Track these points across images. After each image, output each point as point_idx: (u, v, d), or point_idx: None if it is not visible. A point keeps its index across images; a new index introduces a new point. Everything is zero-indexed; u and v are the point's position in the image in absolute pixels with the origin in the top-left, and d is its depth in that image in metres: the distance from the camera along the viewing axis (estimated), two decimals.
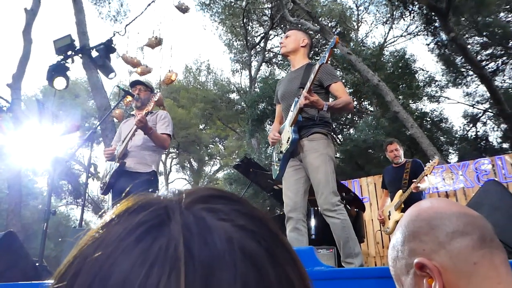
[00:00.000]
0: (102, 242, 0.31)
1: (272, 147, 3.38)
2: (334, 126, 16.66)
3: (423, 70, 15.90)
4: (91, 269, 0.29)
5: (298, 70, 3.24)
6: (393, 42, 19.30)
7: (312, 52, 15.99)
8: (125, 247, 0.29)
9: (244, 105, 16.65)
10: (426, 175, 4.52)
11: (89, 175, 3.78)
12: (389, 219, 4.83)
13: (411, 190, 4.49)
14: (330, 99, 3.29)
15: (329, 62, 2.90)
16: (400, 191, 4.70)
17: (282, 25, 18.73)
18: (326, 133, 3.05)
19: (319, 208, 3.00)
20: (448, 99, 17.08)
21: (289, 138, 3.02)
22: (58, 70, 5.86)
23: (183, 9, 6.56)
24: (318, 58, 2.92)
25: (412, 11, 14.48)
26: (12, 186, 12.04)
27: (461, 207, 0.82)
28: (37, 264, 3.13)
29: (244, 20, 18.73)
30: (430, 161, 4.54)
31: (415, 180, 4.52)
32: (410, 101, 14.38)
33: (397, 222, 4.67)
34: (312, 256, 1.67)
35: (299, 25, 13.58)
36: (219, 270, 0.28)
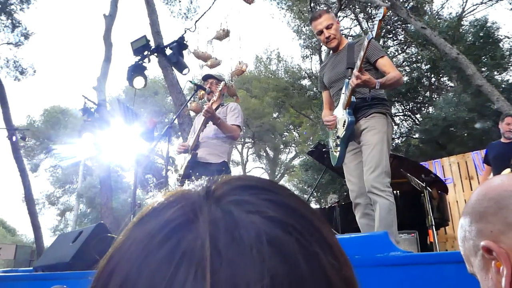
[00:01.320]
0: (134, 240, 0.31)
1: (329, 132, 3.27)
2: (411, 106, 15.99)
3: (508, 38, 14.66)
4: (123, 268, 0.30)
5: (340, 52, 3.16)
6: (473, 10, 17.95)
7: (384, 31, 15.36)
8: (153, 246, 0.30)
9: (316, 90, 16.47)
10: None
11: (168, 168, 3.97)
12: None
13: None
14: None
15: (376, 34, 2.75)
16: (508, 169, 4.41)
17: (350, 6, 18.19)
18: (384, 112, 2.94)
19: (365, 185, 2.84)
20: None
21: (345, 121, 2.92)
22: (136, 70, 6.17)
23: (249, 0, 6.61)
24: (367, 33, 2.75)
25: None
26: (103, 181, 13.00)
27: None
28: None
29: (312, 4, 18.43)
30: None
31: None
32: (495, 73, 13.33)
33: None
34: (387, 240, 1.64)
35: (368, 3, 13.11)
36: (246, 267, 0.28)
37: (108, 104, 14.82)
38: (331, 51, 3.34)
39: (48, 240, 23.96)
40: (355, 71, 2.72)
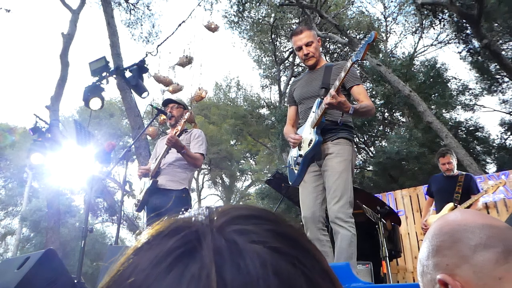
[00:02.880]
0: (135, 268, 0.30)
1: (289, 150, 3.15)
2: (365, 138, 16.48)
3: (455, 78, 15.61)
4: None
5: (317, 71, 3.08)
6: (424, 51, 19.03)
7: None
8: (157, 275, 0.29)
9: (274, 120, 16.69)
10: (485, 193, 4.45)
11: (124, 192, 3.83)
12: None
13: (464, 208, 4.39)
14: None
15: (363, 60, 2.73)
16: (451, 204, 4.56)
17: None
18: (351, 138, 2.91)
19: (329, 214, 2.77)
20: (484, 107, 16.68)
21: (311, 140, 2.84)
22: (93, 91, 6.02)
23: (213, 29, 6.68)
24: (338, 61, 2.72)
25: (442, 19, 14.27)
26: (51, 204, 12.41)
27: (487, 218, 0.78)
28: (75, 281, 3.20)
29: (272, 36, 18.89)
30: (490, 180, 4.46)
31: (474, 195, 4.45)
32: (444, 111, 14.08)
33: None
34: (349, 272, 1.65)
35: (327, 39, 13.59)
36: None
37: (61, 124, 14.33)
38: (307, 69, 3.26)
39: None
40: (332, 91, 2.66)
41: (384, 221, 4.40)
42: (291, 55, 20.25)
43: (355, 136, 16.13)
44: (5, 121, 28.09)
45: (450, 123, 13.35)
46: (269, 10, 18.85)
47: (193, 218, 0.34)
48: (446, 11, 12.88)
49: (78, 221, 19.65)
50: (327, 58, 17.63)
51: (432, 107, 12.95)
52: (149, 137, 9.31)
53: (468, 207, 4.48)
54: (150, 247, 0.32)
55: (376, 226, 4.12)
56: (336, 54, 17.79)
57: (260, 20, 19.28)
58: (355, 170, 2.96)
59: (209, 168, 26.78)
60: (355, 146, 2.98)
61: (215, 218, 0.33)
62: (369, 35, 2.55)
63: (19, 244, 22.68)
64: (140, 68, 6.45)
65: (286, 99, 3.44)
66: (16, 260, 2.61)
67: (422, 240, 4.62)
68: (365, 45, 2.55)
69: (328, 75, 2.96)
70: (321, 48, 3.17)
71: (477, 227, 0.75)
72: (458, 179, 4.63)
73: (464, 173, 4.78)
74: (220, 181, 29.69)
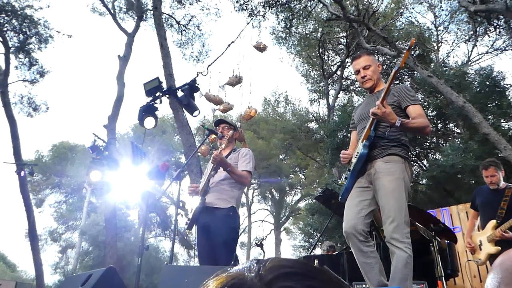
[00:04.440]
0: None
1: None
2: (417, 151, 16.00)
3: None
4: None
5: (376, 94, 3.11)
6: (478, 60, 18.34)
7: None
8: None
9: (323, 134, 16.61)
10: None
11: (178, 212, 3.97)
12: (480, 249, 4.50)
13: (503, 229, 4.17)
14: None
15: (403, 64, 2.72)
16: (494, 221, 4.33)
17: (358, 52, 18.62)
18: (403, 155, 2.85)
19: (385, 234, 2.74)
20: None
21: (357, 153, 2.87)
22: (148, 110, 6.27)
23: (261, 48, 6.82)
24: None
25: (498, 26, 13.76)
26: (108, 220, 12.94)
27: None
28: None
29: (320, 50, 18.92)
30: None
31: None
32: (502, 121, 13.42)
33: (490, 255, 4.35)
34: None
35: (376, 51, 13.42)
36: None
37: (117, 142, 14.97)
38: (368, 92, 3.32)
39: (48, 277, 23.62)
40: (378, 102, 2.67)
41: (439, 239, 4.27)
42: (339, 68, 20.15)
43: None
44: (66, 139, 29.70)
45: (509, 134, 12.70)
46: (316, 25, 18.92)
47: (246, 274, 0.40)
48: (501, 17, 12.41)
49: (133, 236, 20.28)
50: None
51: (489, 117, 12.40)
52: (200, 154, 9.54)
53: None
54: None
55: (431, 244, 4.01)
56: (385, 66, 17.52)
57: (308, 35, 19.38)
58: None
59: (259, 182, 26.92)
60: (409, 164, 2.88)
61: (264, 274, 0.39)
62: (408, 42, 2.62)
63: (78, 258, 23.70)
64: (192, 87, 6.68)
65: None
66: (80, 277, 2.78)
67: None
68: (405, 52, 2.64)
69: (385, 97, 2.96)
70: (375, 60, 3.20)
71: None
72: (505, 193, 4.34)
73: None
74: (269, 196, 29.73)
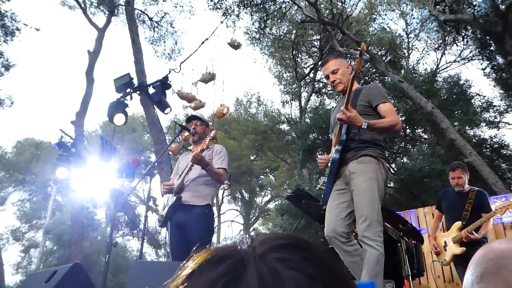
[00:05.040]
0: None
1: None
2: (386, 155, 16.31)
3: (479, 95, 15.38)
4: None
5: (347, 95, 3.07)
6: (446, 68, 18.88)
7: (362, 81, 15.90)
8: None
9: (295, 135, 16.71)
10: (494, 215, 4.28)
11: (148, 208, 3.89)
12: (445, 249, 4.60)
13: (469, 231, 4.28)
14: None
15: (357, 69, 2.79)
16: (459, 223, 4.44)
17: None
18: (376, 156, 2.88)
19: (358, 233, 2.78)
20: (509, 124, 16.32)
21: (331, 159, 2.93)
22: (118, 107, 6.14)
23: (236, 46, 6.79)
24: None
25: (466, 36, 14.15)
26: (74, 218, 12.62)
27: None
28: None
29: (294, 52, 19.03)
30: (500, 199, 4.28)
31: (484, 213, 4.30)
32: (467, 128, 13.83)
33: (455, 256, 4.46)
34: None
35: (348, 55, 13.61)
36: None
37: (85, 139, 14.64)
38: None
39: (9, 278, 22.84)
40: (342, 107, 2.71)
41: (407, 239, 4.34)
42: (312, 71, 20.33)
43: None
44: (31, 136, 28.84)
45: (474, 140, 13.10)
46: (290, 27, 19.03)
47: (238, 247, 0.38)
48: (469, 27, 12.78)
49: (100, 235, 19.86)
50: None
51: (456, 124, 12.75)
52: (170, 153, 9.43)
53: (478, 227, 4.33)
54: (201, 273, 0.36)
55: (399, 244, 4.07)
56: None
57: (282, 37, 19.46)
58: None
59: (229, 183, 26.84)
60: (383, 164, 2.90)
61: (258, 245, 0.38)
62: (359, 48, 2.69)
63: (42, 257, 23.03)
64: (163, 84, 6.57)
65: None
66: (44, 273, 2.67)
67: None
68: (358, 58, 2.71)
69: (356, 99, 3.01)
70: (345, 62, 3.22)
71: None
72: (469, 195, 4.47)
73: (476, 189, 4.58)
74: (239, 196, 29.70)
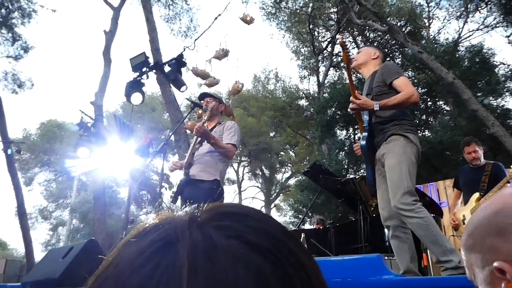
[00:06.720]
0: (121, 259, 0.34)
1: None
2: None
3: (503, 64, 14.88)
4: (109, 284, 0.32)
5: (368, 79, 3.21)
6: (469, 36, 18.23)
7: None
8: (135, 266, 0.31)
9: (313, 110, 16.56)
10: (510, 179, 4.21)
11: (163, 185, 3.94)
12: (464, 223, 4.56)
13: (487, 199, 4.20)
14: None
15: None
16: (477, 194, 4.40)
17: (349, 28, 18.43)
18: (402, 133, 2.89)
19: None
20: None
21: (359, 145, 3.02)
22: (134, 86, 6.18)
23: (248, 21, 6.69)
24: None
25: (489, 2, 13.66)
26: (97, 197, 12.90)
27: None
28: None
29: (310, 26, 18.68)
30: None
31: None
32: (490, 98, 13.47)
33: None
34: (380, 264, 1.63)
35: (366, 27, 13.30)
36: (221, 287, 0.30)
37: (105, 119, 14.82)
38: None
39: (39, 255, 23.66)
40: (351, 97, 2.75)
41: None
42: (330, 44, 19.98)
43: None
44: (54, 117, 29.34)
45: (497, 111, 12.77)
46: (306, 0, 18.65)
47: (177, 216, 0.37)
48: None
49: (124, 213, 20.30)
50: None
51: (478, 94, 12.43)
52: (188, 131, 9.48)
53: None
54: (134, 241, 0.35)
55: None
56: (376, 42, 17.36)
57: (298, 11, 19.10)
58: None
59: (249, 160, 26.94)
60: (411, 138, 2.89)
61: (198, 214, 0.36)
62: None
63: (69, 235, 23.76)
64: (179, 62, 6.57)
65: None
66: (62, 249, 2.76)
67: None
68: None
69: (372, 81, 3.06)
70: (378, 61, 3.25)
71: None
72: (485, 168, 4.44)
73: (491, 162, 4.55)
74: (260, 173, 29.82)
